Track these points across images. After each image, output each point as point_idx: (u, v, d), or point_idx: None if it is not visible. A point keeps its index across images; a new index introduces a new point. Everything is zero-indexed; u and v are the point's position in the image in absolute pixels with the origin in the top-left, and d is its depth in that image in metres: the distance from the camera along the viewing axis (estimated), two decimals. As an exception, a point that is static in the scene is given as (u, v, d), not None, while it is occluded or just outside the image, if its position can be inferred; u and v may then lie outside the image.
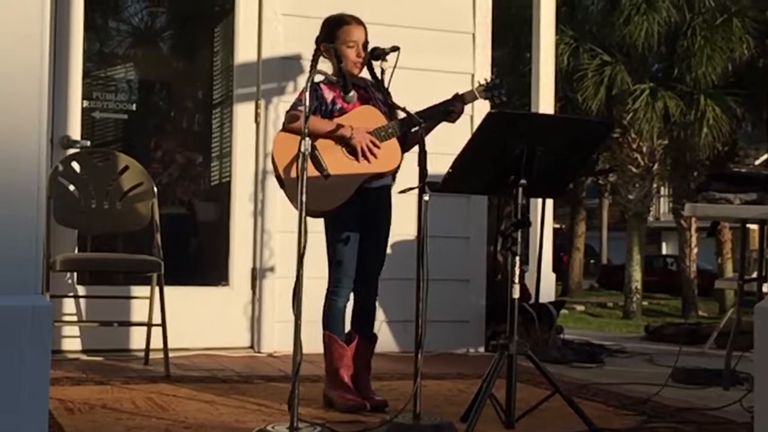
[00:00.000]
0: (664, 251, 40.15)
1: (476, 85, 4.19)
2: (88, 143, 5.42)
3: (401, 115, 3.95)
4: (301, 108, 3.56)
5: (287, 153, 3.77)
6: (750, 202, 4.94)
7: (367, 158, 3.88)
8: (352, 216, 3.93)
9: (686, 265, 20.41)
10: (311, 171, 3.74)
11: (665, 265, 34.03)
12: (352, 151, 3.88)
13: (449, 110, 4.03)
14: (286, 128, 3.91)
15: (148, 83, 6.41)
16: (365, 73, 4.10)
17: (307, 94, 3.43)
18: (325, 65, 3.98)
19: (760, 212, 4.84)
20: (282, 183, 3.88)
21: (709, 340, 6.56)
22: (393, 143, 3.94)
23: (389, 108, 4.03)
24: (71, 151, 5.30)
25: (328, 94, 3.97)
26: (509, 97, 4.16)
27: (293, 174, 3.75)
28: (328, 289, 4.00)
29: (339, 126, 3.87)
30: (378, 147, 3.88)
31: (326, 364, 3.99)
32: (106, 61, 6.03)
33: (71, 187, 5.01)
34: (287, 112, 3.97)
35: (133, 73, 6.15)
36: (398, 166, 3.99)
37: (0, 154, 2.75)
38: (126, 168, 5.10)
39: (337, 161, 3.84)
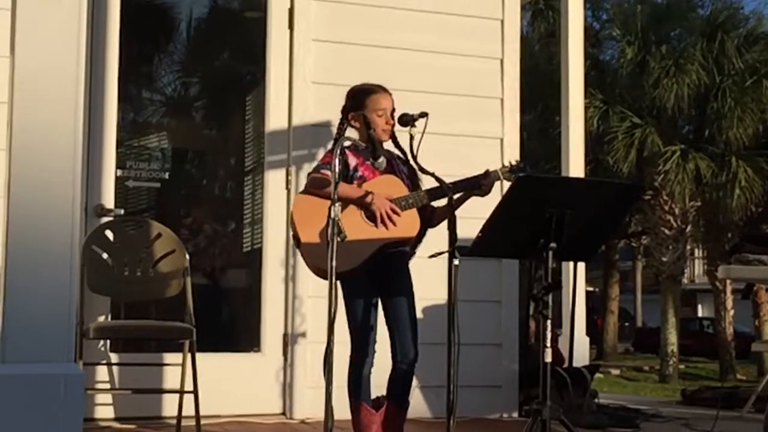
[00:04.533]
0: (700, 314, 39.65)
1: (501, 166, 4.21)
2: (122, 211, 5.46)
3: (426, 186, 3.97)
4: (325, 171, 3.58)
5: (306, 214, 3.80)
6: (784, 263, 4.89)
7: (385, 225, 3.88)
8: (369, 280, 3.92)
9: (723, 327, 20.14)
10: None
11: (701, 327, 33.58)
12: (372, 216, 3.88)
13: (480, 183, 4.04)
14: (308, 191, 3.91)
15: (180, 152, 6.46)
16: (390, 146, 4.11)
17: (336, 160, 3.45)
18: (352, 135, 4.00)
19: (795, 273, 4.79)
20: (298, 243, 3.89)
21: (747, 403, 6.45)
22: (413, 213, 3.95)
23: (412, 180, 4.05)
24: (104, 219, 5.36)
25: (352, 160, 3.99)
26: None
27: (310, 236, 3.77)
28: (351, 356, 3.96)
29: (368, 193, 3.88)
30: (398, 215, 3.89)
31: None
32: (140, 130, 6.10)
33: (104, 255, 5.05)
34: (309, 174, 3.98)
35: (166, 141, 6.21)
36: (420, 237, 3.99)
37: (35, 223, 2.79)
38: (158, 235, 5.13)
39: (355, 225, 3.83)
